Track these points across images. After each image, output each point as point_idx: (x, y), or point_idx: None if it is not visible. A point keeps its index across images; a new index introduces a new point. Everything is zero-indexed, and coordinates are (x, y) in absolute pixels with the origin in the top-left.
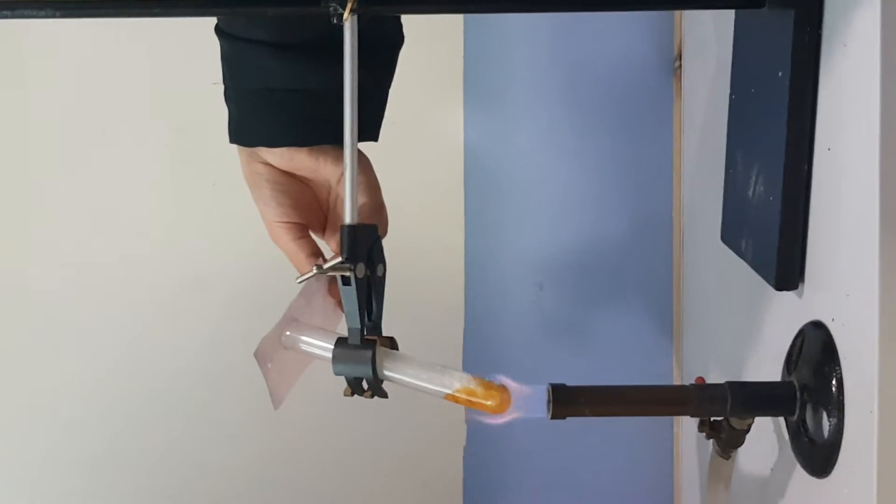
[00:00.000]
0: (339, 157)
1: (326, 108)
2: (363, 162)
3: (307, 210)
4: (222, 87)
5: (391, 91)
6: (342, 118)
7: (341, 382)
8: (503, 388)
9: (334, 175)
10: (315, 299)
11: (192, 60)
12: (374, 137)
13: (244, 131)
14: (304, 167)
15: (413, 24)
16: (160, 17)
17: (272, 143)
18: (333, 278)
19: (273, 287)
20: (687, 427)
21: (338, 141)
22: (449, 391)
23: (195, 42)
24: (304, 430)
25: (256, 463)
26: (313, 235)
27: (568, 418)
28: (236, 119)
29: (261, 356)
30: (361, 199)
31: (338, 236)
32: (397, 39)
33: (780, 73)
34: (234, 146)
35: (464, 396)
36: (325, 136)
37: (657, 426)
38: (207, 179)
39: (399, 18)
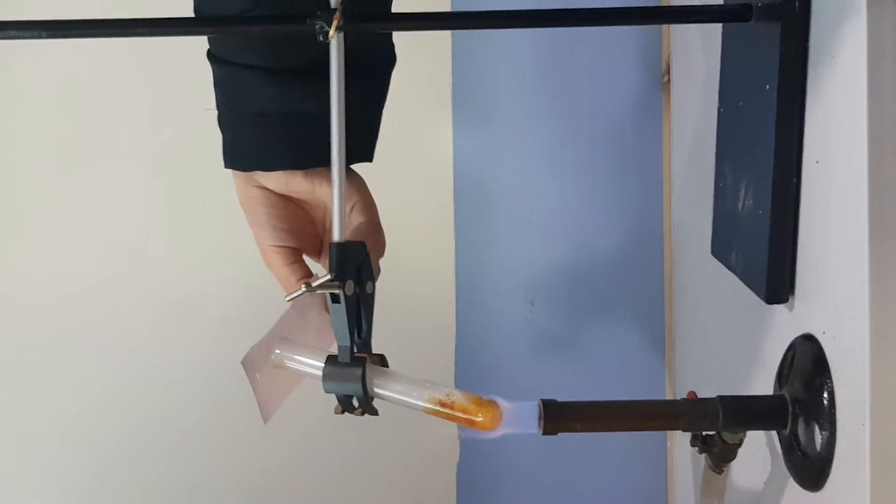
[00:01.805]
0: None
1: (322, 130)
2: (358, 182)
3: (302, 234)
4: (215, 112)
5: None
6: None
7: (332, 400)
8: (494, 405)
9: (330, 197)
10: (309, 314)
11: (183, 78)
12: (369, 158)
13: (240, 156)
14: (300, 190)
15: (401, 41)
16: (146, 37)
17: (269, 167)
18: None
19: (266, 304)
20: (680, 442)
21: None
22: (440, 408)
23: (186, 60)
24: (297, 448)
25: (249, 480)
26: (308, 259)
27: (562, 435)
28: (231, 144)
29: (249, 365)
30: (358, 219)
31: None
32: (390, 59)
33: (767, 86)
34: (226, 168)
35: (455, 413)
36: (321, 158)
37: (651, 441)
38: (198, 198)
39: (391, 37)
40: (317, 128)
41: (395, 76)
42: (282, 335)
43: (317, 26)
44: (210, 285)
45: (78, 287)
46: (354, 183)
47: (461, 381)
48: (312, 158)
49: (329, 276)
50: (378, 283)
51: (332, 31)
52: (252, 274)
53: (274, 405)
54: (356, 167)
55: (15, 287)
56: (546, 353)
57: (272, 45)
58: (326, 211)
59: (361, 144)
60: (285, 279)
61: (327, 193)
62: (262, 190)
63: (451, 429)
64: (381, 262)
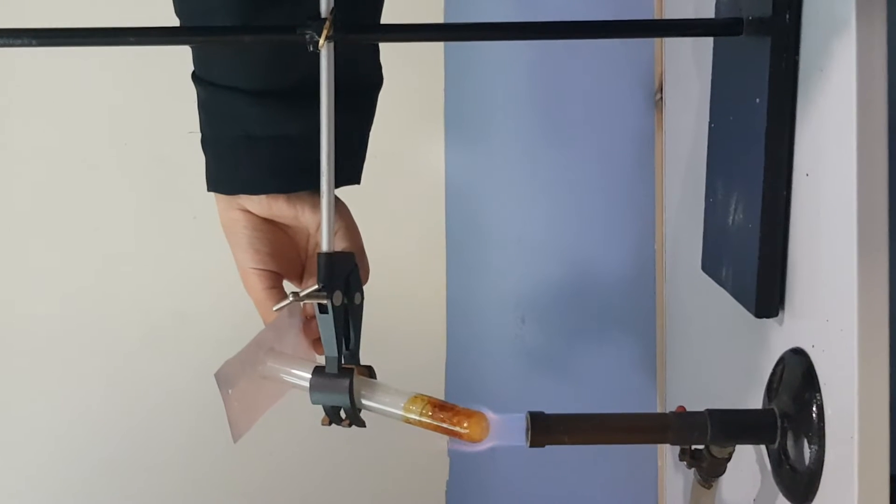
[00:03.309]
0: (318, 204)
1: (307, 154)
2: (341, 208)
3: (284, 258)
4: (199, 135)
5: (373, 125)
6: None
7: (318, 412)
8: (482, 416)
9: (313, 222)
10: (287, 335)
11: (176, 91)
12: (357, 180)
13: (224, 179)
14: (283, 215)
15: (393, 57)
16: (136, 46)
17: (252, 191)
18: (309, 317)
19: (255, 321)
20: (671, 458)
21: (318, 187)
22: (428, 420)
23: (180, 73)
24: (283, 462)
25: (236, 498)
26: (289, 285)
27: (552, 451)
28: (214, 167)
29: (222, 379)
30: (342, 245)
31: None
32: (377, 81)
33: (757, 100)
34: (209, 192)
35: (443, 424)
36: (305, 182)
37: (641, 457)
38: (188, 213)
39: (378, 59)
40: (301, 152)
41: (388, 93)
42: (259, 351)
43: (307, 36)
44: (200, 299)
45: (66, 302)
46: (338, 209)
47: (451, 397)
48: (296, 183)
49: (317, 286)
50: (368, 297)
51: (321, 41)
52: (242, 288)
53: (245, 424)
54: (341, 194)
55: (5, 301)
56: (537, 369)
57: (257, 67)
58: (309, 237)
59: (349, 168)
60: (262, 303)
61: (310, 219)
62: (244, 213)
63: (441, 444)
64: (373, 276)
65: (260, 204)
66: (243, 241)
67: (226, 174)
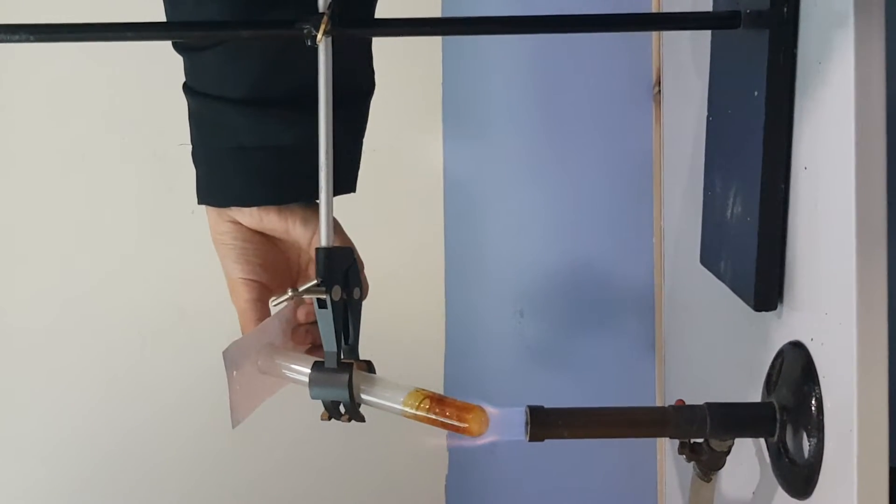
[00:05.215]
0: (309, 217)
1: (299, 165)
2: (336, 227)
3: (274, 271)
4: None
5: (371, 119)
6: (315, 174)
7: (316, 408)
8: (481, 411)
9: (304, 237)
10: (286, 330)
11: (170, 89)
12: (352, 188)
13: (214, 191)
14: (273, 227)
15: (391, 52)
16: (134, 42)
17: (244, 203)
18: (298, 324)
19: None
20: (670, 452)
21: (311, 198)
22: (427, 414)
23: (175, 70)
24: (282, 457)
25: (236, 492)
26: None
27: (552, 446)
28: (205, 179)
29: (229, 358)
30: None
31: (308, 299)
32: (368, 88)
33: (755, 93)
34: (199, 204)
35: (442, 419)
36: (296, 193)
37: (641, 452)
38: (186, 208)
39: (371, 65)
40: (293, 162)
41: (386, 88)
42: (265, 339)
43: (304, 30)
44: (199, 294)
45: (65, 298)
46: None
47: (450, 392)
48: (287, 194)
49: (315, 281)
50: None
51: (319, 35)
52: None
53: (246, 409)
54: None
55: (3, 298)
56: (536, 363)
57: (248, 76)
58: (301, 252)
59: (344, 175)
60: (245, 313)
61: (301, 233)
62: (235, 225)
63: (441, 438)
64: (370, 271)
65: (251, 216)
66: (234, 252)
67: (217, 186)
